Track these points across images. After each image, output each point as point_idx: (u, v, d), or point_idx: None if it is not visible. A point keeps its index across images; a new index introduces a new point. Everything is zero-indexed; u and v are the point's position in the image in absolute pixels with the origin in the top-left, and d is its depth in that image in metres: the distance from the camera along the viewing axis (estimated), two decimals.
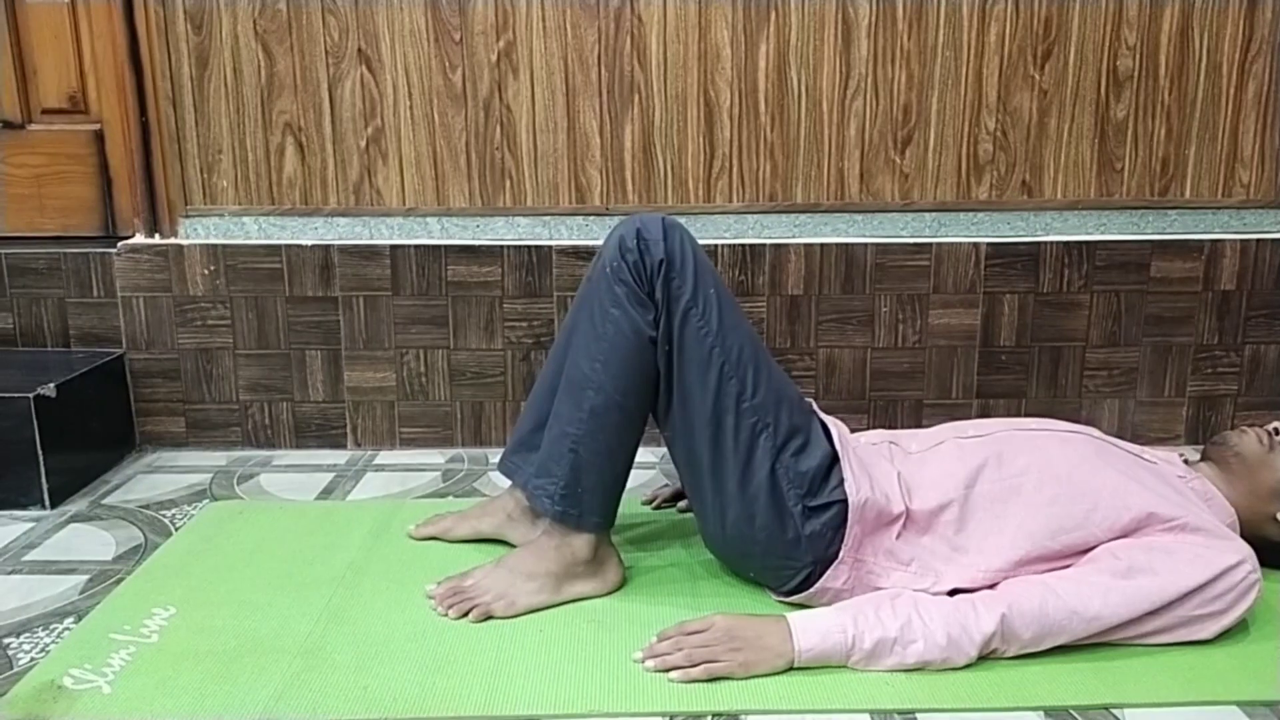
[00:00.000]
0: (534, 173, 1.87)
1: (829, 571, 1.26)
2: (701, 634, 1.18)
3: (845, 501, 1.24)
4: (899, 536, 1.25)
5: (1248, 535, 1.28)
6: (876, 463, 1.30)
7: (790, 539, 1.26)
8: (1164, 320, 1.90)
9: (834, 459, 1.29)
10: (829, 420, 1.36)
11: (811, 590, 1.27)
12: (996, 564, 1.23)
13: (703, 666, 1.14)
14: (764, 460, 1.26)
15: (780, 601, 1.31)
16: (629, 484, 1.34)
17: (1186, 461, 1.38)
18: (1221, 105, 1.85)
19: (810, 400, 1.39)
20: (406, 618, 1.29)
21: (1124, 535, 1.22)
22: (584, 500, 1.30)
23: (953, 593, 1.23)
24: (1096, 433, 1.36)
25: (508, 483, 1.51)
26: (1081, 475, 1.25)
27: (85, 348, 1.88)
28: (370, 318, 1.88)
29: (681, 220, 1.71)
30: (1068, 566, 1.23)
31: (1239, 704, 1.11)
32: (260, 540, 1.52)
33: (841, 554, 1.25)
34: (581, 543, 1.32)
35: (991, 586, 1.22)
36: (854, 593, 1.26)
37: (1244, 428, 1.38)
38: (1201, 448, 1.45)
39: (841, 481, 1.26)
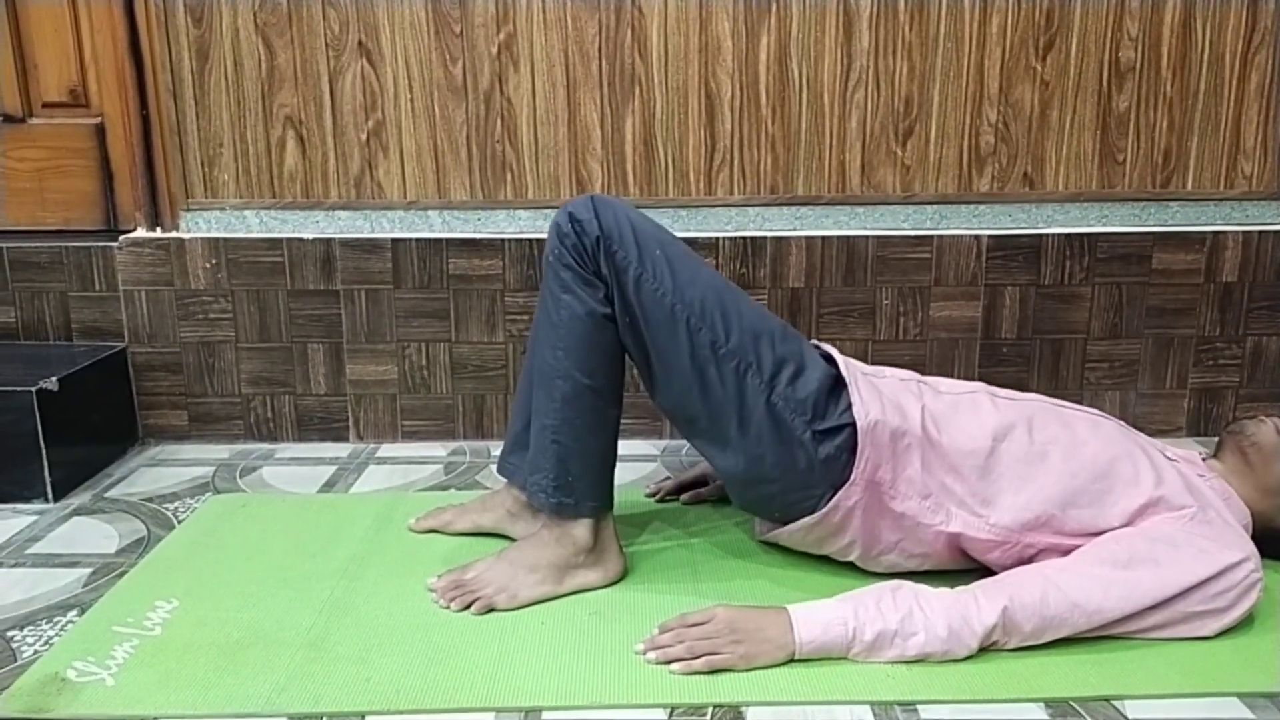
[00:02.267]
0: (535, 165, 1.86)
1: (842, 490, 1.25)
2: (703, 626, 1.18)
3: (855, 425, 1.24)
4: (924, 467, 1.25)
5: (1261, 528, 1.28)
6: (899, 394, 1.30)
7: (804, 468, 1.25)
8: (1165, 312, 1.90)
9: (836, 380, 1.29)
10: (830, 349, 1.36)
11: (824, 510, 1.27)
12: (1005, 521, 1.24)
13: (704, 659, 1.14)
14: (757, 398, 1.25)
15: (790, 529, 1.31)
16: (633, 475, 1.35)
17: (1204, 459, 1.38)
18: (1224, 97, 1.85)
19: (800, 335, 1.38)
20: (409, 610, 1.29)
21: (1132, 522, 1.22)
22: (576, 487, 1.30)
23: (956, 539, 1.25)
24: (1125, 425, 1.36)
25: None
26: (1106, 458, 1.26)
27: (87, 341, 1.88)
28: (372, 311, 1.88)
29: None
30: (1070, 546, 1.23)
31: (1239, 695, 1.11)
32: (262, 533, 1.52)
33: (854, 476, 1.24)
34: (581, 529, 1.32)
35: (994, 541, 1.24)
36: (865, 513, 1.26)
37: (1262, 417, 1.37)
38: (1202, 438, 1.45)
39: (848, 407, 1.25)
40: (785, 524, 1.34)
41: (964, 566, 1.32)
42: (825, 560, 1.41)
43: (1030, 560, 1.26)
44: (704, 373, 1.26)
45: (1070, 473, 1.25)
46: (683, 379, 1.27)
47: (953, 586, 1.20)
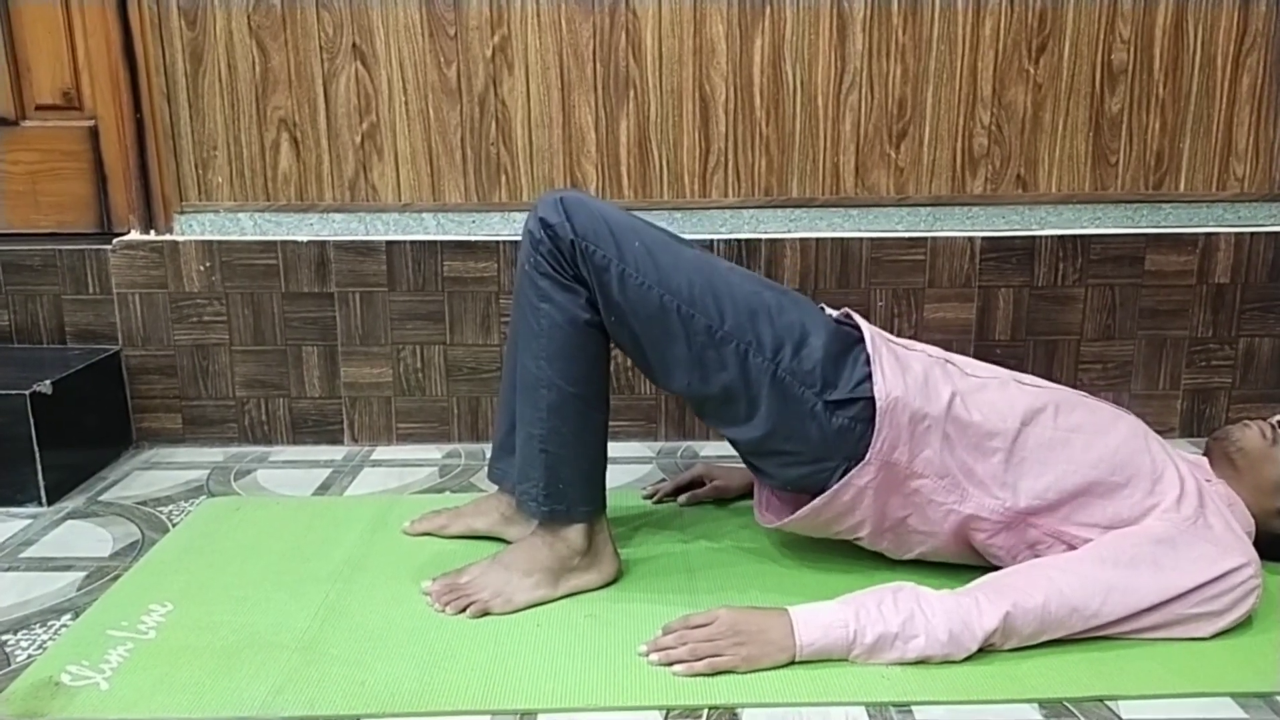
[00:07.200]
0: (530, 168, 1.86)
1: (855, 469, 1.24)
2: (706, 628, 1.18)
3: (872, 399, 1.23)
4: (945, 447, 1.24)
5: (1260, 532, 1.28)
6: (930, 371, 1.28)
7: (817, 440, 1.24)
8: (1158, 314, 1.91)
9: (840, 343, 1.27)
10: (858, 317, 1.34)
11: (835, 487, 1.25)
12: (1020, 505, 1.24)
13: (706, 661, 1.14)
14: (762, 377, 1.24)
15: (798, 515, 1.29)
16: (629, 477, 1.34)
17: None
18: (1216, 98, 1.86)
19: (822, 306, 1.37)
20: (404, 613, 1.29)
21: (1140, 519, 1.23)
22: (568, 494, 1.30)
23: (965, 522, 1.25)
24: (1143, 423, 1.35)
25: None
26: (1127, 452, 1.26)
27: (81, 344, 1.88)
28: (366, 313, 1.88)
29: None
30: (1073, 536, 1.24)
31: (1233, 695, 1.11)
32: (257, 536, 1.52)
33: (869, 456, 1.23)
34: (575, 533, 1.32)
35: (1002, 523, 1.24)
36: (877, 492, 1.25)
37: (1246, 422, 1.37)
38: (1195, 439, 1.46)
39: (866, 378, 1.24)
40: (804, 495, 1.30)
41: (961, 560, 1.32)
42: (820, 562, 1.41)
43: (1032, 547, 1.26)
44: (704, 358, 1.24)
45: (1090, 463, 1.24)
46: (683, 367, 1.26)
47: (952, 587, 1.20)
